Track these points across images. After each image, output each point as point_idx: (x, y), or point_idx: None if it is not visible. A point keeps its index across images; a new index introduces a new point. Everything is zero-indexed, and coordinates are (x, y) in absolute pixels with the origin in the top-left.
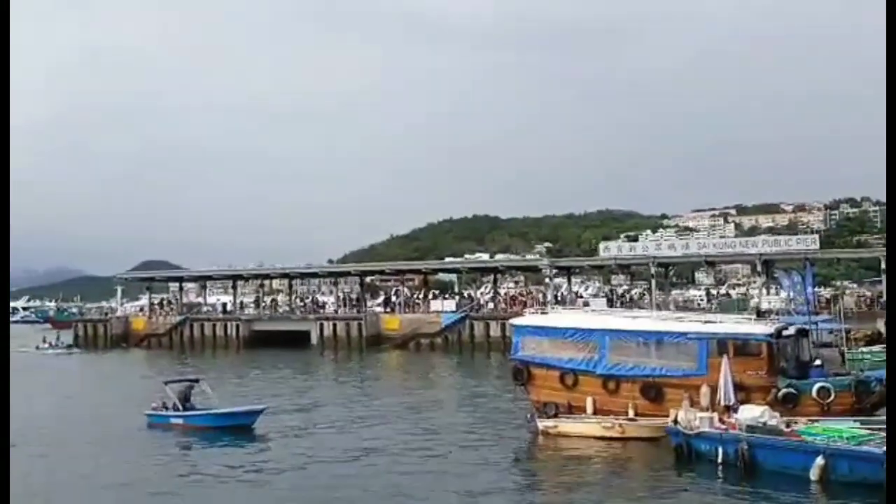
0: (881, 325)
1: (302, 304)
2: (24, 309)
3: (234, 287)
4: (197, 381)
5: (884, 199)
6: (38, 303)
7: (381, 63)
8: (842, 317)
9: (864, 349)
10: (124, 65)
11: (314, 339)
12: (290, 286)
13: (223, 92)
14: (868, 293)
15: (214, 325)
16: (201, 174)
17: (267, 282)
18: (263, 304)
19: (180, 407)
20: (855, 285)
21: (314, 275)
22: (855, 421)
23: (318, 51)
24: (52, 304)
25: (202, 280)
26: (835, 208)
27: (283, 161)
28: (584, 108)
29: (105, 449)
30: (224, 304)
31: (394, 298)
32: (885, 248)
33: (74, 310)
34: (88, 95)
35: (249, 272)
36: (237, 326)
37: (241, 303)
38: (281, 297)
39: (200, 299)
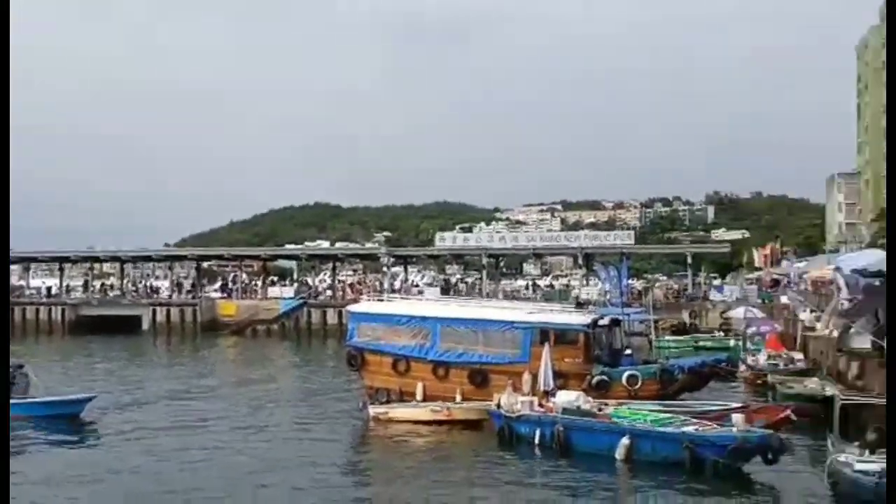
0: (685, 316)
1: (134, 288)
2: None
3: (61, 270)
4: (21, 366)
5: (693, 198)
6: None
7: (221, 49)
8: (651, 308)
9: (670, 338)
10: None
11: (146, 324)
12: (122, 270)
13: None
14: (675, 286)
15: (38, 310)
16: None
17: (98, 265)
18: (92, 289)
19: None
20: (665, 278)
21: (148, 258)
22: (659, 404)
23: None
24: None
25: (25, 262)
26: (649, 207)
27: (120, 139)
28: (427, 103)
29: None
30: (49, 288)
31: (231, 284)
32: (691, 245)
33: None
34: None
35: (78, 255)
36: (62, 311)
37: (68, 286)
38: (113, 281)
39: (23, 282)
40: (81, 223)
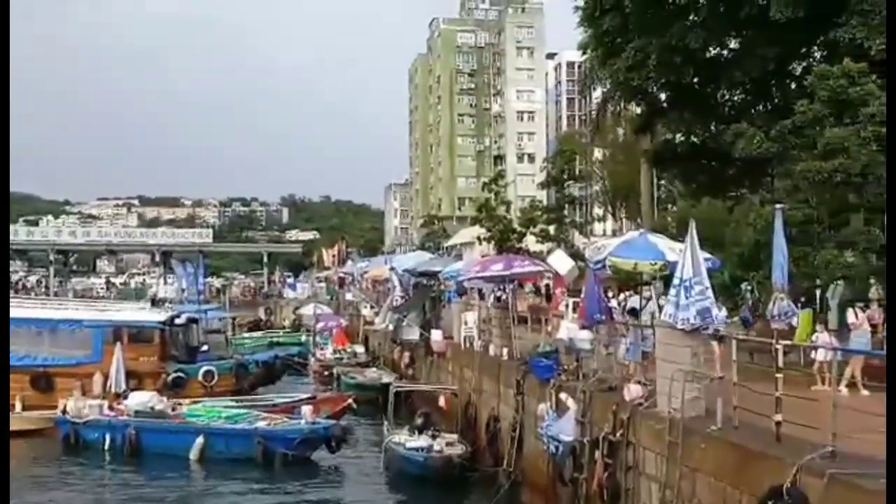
0: (261, 313)
1: None
2: None
3: None
4: None
5: (269, 199)
6: None
7: None
8: (228, 305)
9: (247, 334)
10: None
11: None
12: None
13: None
14: (253, 284)
15: None
16: None
17: None
18: None
19: None
20: (243, 276)
21: None
22: (233, 400)
23: None
24: None
25: None
26: (228, 206)
27: None
28: None
29: None
30: None
31: None
32: (268, 245)
33: None
34: None
35: None
36: None
37: None
38: None
39: None
40: None
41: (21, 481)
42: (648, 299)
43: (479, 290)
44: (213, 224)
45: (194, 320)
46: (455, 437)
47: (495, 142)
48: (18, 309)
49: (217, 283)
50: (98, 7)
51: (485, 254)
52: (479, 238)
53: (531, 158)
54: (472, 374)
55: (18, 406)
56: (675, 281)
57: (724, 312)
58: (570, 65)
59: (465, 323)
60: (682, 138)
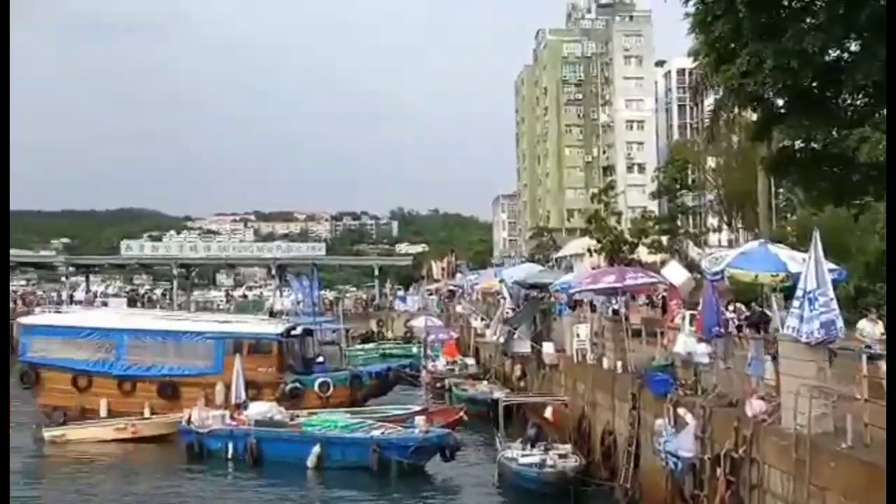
0: (373, 325)
1: None
2: None
3: None
4: None
5: (378, 213)
6: None
7: None
8: (342, 318)
9: (360, 346)
10: None
11: None
12: None
13: None
14: (364, 296)
15: None
16: None
17: None
18: None
19: None
20: (354, 289)
21: None
22: (348, 411)
23: None
24: None
25: None
26: (339, 220)
27: None
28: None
29: None
30: None
31: None
32: (378, 258)
33: None
34: None
35: None
36: None
37: None
38: None
39: None
40: None
41: (149, 484)
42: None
43: (591, 303)
44: (325, 238)
45: (310, 332)
46: (568, 448)
47: (604, 152)
48: (147, 321)
49: (330, 295)
50: (222, 34)
51: (595, 265)
52: (589, 249)
53: (641, 168)
54: (585, 387)
55: (147, 412)
56: (799, 293)
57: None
58: (681, 72)
59: (577, 335)
60: (802, 144)
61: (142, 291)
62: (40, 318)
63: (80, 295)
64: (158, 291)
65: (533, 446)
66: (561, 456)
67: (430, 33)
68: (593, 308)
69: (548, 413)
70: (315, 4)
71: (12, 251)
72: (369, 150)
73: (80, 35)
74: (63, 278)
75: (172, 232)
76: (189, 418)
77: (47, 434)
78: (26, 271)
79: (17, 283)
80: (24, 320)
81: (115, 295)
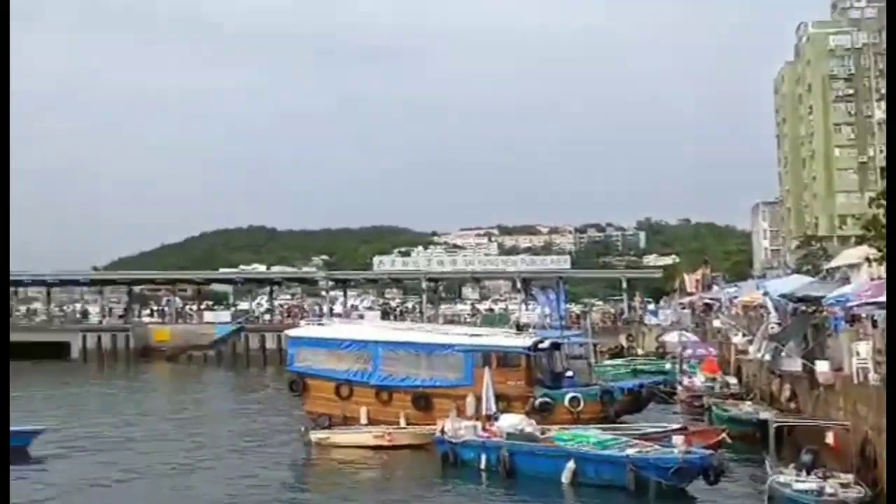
0: (622, 340)
1: (62, 313)
2: None
3: None
4: None
5: (624, 224)
6: None
7: (151, 70)
8: (590, 331)
9: (609, 361)
10: None
11: (76, 351)
12: (48, 294)
13: None
14: (612, 310)
15: None
16: None
17: (21, 290)
18: (18, 313)
19: None
20: (600, 302)
21: (75, 282)
22: (601, 427)
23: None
24: None
25: None
26: (583, 232)
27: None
28: (360, 125)
29: None
30: None
31: (165, 309)
32: (626, 270)
33: None
34: None
35: None
36: None
37: None
38: (38, 306)
39: None
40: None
41: (406, 491)
42: None
43: (872, 318)
44: (569, 251)
45: (557, 346)
46: (850, 477)
47: (880, 151)
48: (400, 333)
49: (576, 309)
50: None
51: (875, 276)
52: (867, 259)
53: None
54: (868, 410)
55: (402, 422)
56: None
57: None
58: None
59: (857, 354)
60: None
61: (393, 304)
62: (305, 330)
63: (338, 308)
64: (409, 304)
65: (808, 473)
66: (843, 486)
67: (676, 34)
68: (874, 324)
69: (829, 438)
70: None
71: (279, 268)
72: (611, 161)
73: (339, 61)
74: (323, 292)
75: (420, 248)
76: (443, 428)
77: (314, 436)
78: (291, 286)
79: (283, 298)
80: (290, 332)
81: (370, 308)
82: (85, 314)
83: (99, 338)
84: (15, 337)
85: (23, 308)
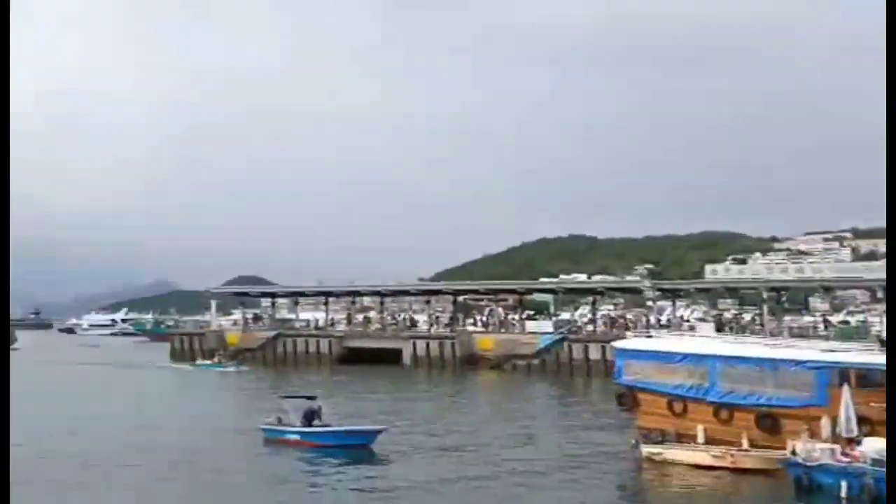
0: None
1: (394, 322)
2: (123, 321)
3: (326, 304)
4: (313, 398)
5: None
6: (136, 315)
7: (469, 80)
8: None
9: None
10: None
11: (406, 357)
12: (382, 304)
13: (317, 106)
14: None
15: (307, 341)
16: (300, 196)
17: (358, 300)
18: (355, 322)
19: (299, 423)
20: None
21: (406, 293)
22: None
23: (408, 71)
24: (150, 316)
25: (294, 296)
26: None
27: (371, 183)
28: (684, 126)
29: (226, 464)
30: (316, 321)
31: (488, 318)
32: None
33: (171, 322)
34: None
35: (341, 289)
36: (329, 343)
37: (332, 320)
38: (372, 315)
39: (292, 315)
40: (345, 260)
41: None
42: None
43: None
44: None
45: None
46: None
47: None
48: (740, 347)
49: None
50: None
51: None
52: None
53: None
54: None
55: (745, 443)
56: None
57: None
58: None
59: None
60: None
61: (728, 316)
62: (634, 342)
63: (665, 319)
64: (747, 316)
65: None
66: None
67: None
68: None
69: None
70: None
71: (600, 277)
72: None
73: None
74: (649, 302)
75: (758, 254)
76: (794, 450)
77: (645, 450)
78: (614, 296)
79: (605, 308)
80: (618, 344)
81: (701, 319)
82: (413, 322)
83: (427, 345)
84: (354, 343)
85: (360, 316)
